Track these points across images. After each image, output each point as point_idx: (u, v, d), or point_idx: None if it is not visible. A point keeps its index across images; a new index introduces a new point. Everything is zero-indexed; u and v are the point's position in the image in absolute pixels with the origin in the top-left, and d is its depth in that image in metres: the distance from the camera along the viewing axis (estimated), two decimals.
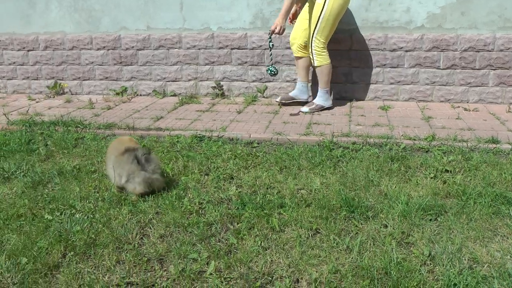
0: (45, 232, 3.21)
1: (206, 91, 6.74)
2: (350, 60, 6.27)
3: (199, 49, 6.64)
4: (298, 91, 6.16)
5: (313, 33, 5.62)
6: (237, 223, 3.25)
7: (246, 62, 6.57)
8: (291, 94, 6.20)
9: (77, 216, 3.41)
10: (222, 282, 2.64)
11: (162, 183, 3.74)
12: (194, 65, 6.70)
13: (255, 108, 6.04)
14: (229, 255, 2.89)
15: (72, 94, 7.35)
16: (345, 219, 3.25)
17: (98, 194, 3.74)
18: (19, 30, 7.47)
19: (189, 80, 6.75)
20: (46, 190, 3.91)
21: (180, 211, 3.38)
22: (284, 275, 2.69)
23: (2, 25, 7.54)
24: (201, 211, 3.43)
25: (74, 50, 7.17)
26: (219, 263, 2.80)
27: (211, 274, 2.71)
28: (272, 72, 5.60)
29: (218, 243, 3.02)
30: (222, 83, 6.66)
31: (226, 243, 3.02)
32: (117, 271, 2.77)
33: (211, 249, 2.93)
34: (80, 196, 3.71)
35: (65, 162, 4.46)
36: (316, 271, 2.70)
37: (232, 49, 6.57)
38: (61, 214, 3.47)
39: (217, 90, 6.64)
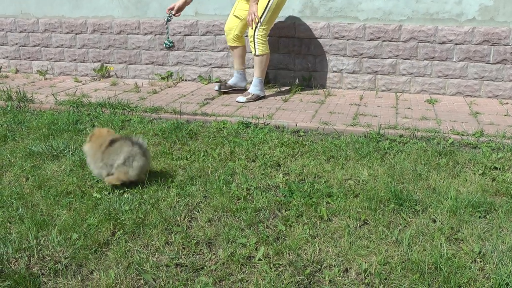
0: (94, 210, 3.24)
1: (251, 78, 6.68)
2: (397, 52, 6.14)
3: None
4: (236, 79, 6.28)
5: (257, 23, 5.67)
6: (285, 211, 3.21)
7: (293, 51, 6.49)
8: (229, 82, 6.28)
9: (125, 196, 3.42)
10: (271, 268, 2.61)
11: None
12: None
13: (301, 97, 5.97)
14: (277, 241, 2.86)
15: (117, 78, 7.40)
16: (393, 212, 3.18)
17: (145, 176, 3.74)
18: (68, 14, 7.54)
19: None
20: None
21: (228, 196, 3.35)
22: (333, 263, 2.65)
23: (52, 9, 7.63)
24: (249, 197, 3.40)
25: (122, 35, 7.21)
26: (268, 249, 2.77)
27: (260, 259, 2.68)
28: (168, 45, 6.33)
29: (267, 229, 2.99)
30: (268, 71, 6.59)
31: (275, 229, 2.98)
32: (166, 252, 2.76)
33: (260, 235, 2.90)
34: None
35: None
36: (365, 262, 2.65)
37: (279, 37, 6.50)
38: (109, 193, 3.49)
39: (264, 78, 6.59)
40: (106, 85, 6.95)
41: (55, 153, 4.27)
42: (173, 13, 6.00)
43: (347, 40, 6.28)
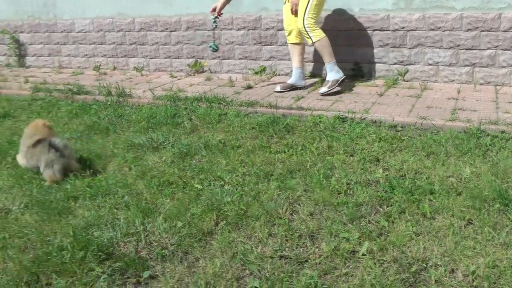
0: (196, 200, 3.31)
1: (345, 72, 6.58)
2: (497, 42, 5.84)
3: (339, 30, 6.51)
4: (296, 77, 6.17)
5: (305, 12, 5.67)
6: (387, 206, 3.14)
7: (387, 44, 6.35)
8: (289, 81, 6.17)
9: (226, 187, 3.47)
10: (375, 264, 2.56)
11: (78, 167, 3.93)
12: (333, 46, 6.58)
13: (396, 91, 5.82)
14: (380, 237, 2.80)
15: (211, 73, 7.53)
16: (499, 212, 3.01)
17: (244, 169, 3.78)
18: (162, 13, 7.76)
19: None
20: (194, 161, 4.05)
21: (328, 190, 3.32)
22: (438, 263, 2.56)
23: (147, 8, 7.87)
24: (349, 191, 3.36)
25: (216, 30, 7.30)
26: (371, 244, 2.71)
27: (364, 255, 2.64)
28: (214, 49, 6.25)
29: (369, 225, 2.93)
30: (362, 64, 6.50)
31: (377, 225, 2.93)
32: (269, 244, 2.77)
33: (362, 230, 2.86)
34: (227, 169, 3.78)
35: (210, 136, 4.58)
36: (472, 264, 2.53)
37: (373, 30, 6.38)
38: (210, 184, 3.56)
39: (357, 72, 6.49)
40: (201, 80, 7.09)
41: (155, 145, 4.40)
42: (216, 14, 6.16)
43: (443, 31, 6.06)
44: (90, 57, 8.86)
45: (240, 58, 7.25)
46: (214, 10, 6.15)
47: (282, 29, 6.74)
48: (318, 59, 6.68)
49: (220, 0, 6.13)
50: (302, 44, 6.09)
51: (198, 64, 7.51)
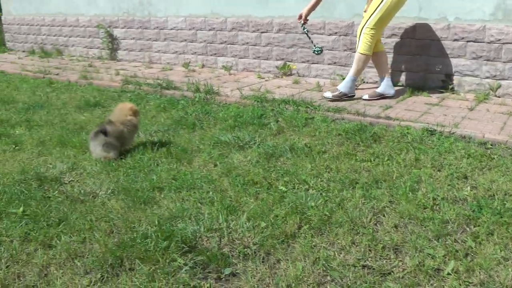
0: (280, 202, 3.32)
1: (434, 84, 6.44)
2: None
3: (432, 39, 6.35)
4: (385, 86, 6.06)
5: (367, 22, 5.69)
6: (474, 226, 3.03)
7: (481, 57, 6.13)
8: (378, 90, 6.07)
9: (310, 192, 3.47)
10: (461, 285, 2.47)
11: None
12: (425, 56, 6.44)
13: (487, 107, 5.61)
14: (467, 258, 2.70)
15: (299, 76, 7.53)
16: None
17: (329, 174, 3.76)
18: (255, 13, 7.83)
19: (418, 71, 6.50)
20: (279, 163, 4.06)
21: (414, 204, 3.25)
22: None
23: (240, 9, 7.98)
24: (436, 207, 3.26)
25: (309, 34, 7.30)
26: (457, 264, 2.62)
27: (449, 274, 2.55)
28: (317, 52, 6.34)
29: (455, 243, 2.84)
30: (452, 76, 6.30)
31: (463, 245, 2.82)
32: (352, 252, 2.74)
33: (448, 248, 2.77)
34: (312, 173, 3.78)
35: (296, 139, 4.59)
36: None
37: (467, 41, 6.17)
38: (294, 187, 3.57)
39: (447, 84, 6.31)
40: (288, 83, 7.11)
41: (241, 144, 4.45)
42: (302, 21, 6.27)
43: None
44: (180, 54, 9.07)
45: (329, 64, 7.21)
46: (300, 17, 6.28)
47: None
48: (410, 69, 6.56)
49: (305, 7, 6.22)
50: (383, 51, 6.07)
51: (286, 66, 7.53)
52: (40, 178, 3.86)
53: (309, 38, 6.55)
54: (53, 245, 2.92)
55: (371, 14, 5.64)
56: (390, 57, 6.67)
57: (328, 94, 5.94)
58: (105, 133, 4.26)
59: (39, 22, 11.71)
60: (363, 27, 5.72)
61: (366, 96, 5.99)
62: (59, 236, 3.00)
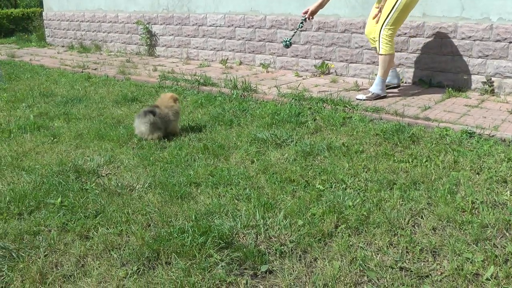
0: (317, 200, 3.31)
1: (475, 85, 6.33)
2: None
3: (474, 40, 6.24)
4: (390, 77, 6.31)
5: (384, 22, 5.68)
6: None
7: None
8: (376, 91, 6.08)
9: (348, 191, 3.44)
10: None
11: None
12: (466, 57, 6.33)
13: None
14: (507, 263, 2.64)
15: (337, 75, 7.49)
16: None
17: (367, 174, 3.73)
18: (294, 11, 7.82)
19: (458, 72, 6.40)
20: (316, 162, 4.05)
21: (453, 207, 3.19)
22: None
23: (280, 6, 7.98)
24: (474, 210, 3.20)
25: (346, 33, 7.27)
26: (496, 269, 2.56)
27: (488, 279, 2.50)
28: (286, 45, 6.33)
29: (494, 248, 2.77)
30: (493, 78, 6.18)
31: (503, 250, 2.76)
32: (389, 253, 2.71)
33: (487, 253, 2.71)
34: (350, 173, 3.75)
35: (333, 138, 4.56)
36: None
37: (510, 42, 6.03)
38: (331, 186, 3.55)
39: (487, 86, 6.19)
40: (326, 82, 7.08)
41: (278, 141, 4.45)
42: (306, 16, 6.18)
43: None
44: (218, 50, 9.11)
45: (367, 63, 7.15)
46: (306, 12, 6.20)
47: (415, 36, 6.60)
48: (450, 69, 6.46)
49: (314, 3, 6.15)
50: None
51: (324, 65, 7.50)
52: (78, 170, 3.91)
53: (294, 33, 6.59)
54: (90, 236, 2.96)
55: (388, 14, 5.63)
56: (430, 58, 6.58)
57: (361, 96, 5.93)
58: (154, 113, 4.58)
59: (79, 18, 11.90)
60: (381, 28, 5.72)
61: (362, 96, 5.99)
62: (96, 228, 3.04)
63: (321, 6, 6.13)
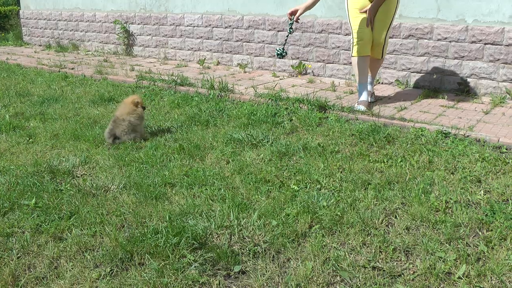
0: (292, 200, 3.32)
1: (450, 86, 6.39)
2: None
3: (450, 41, 6.31)
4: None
5: (389, 27, 5.53)
6: (486, 231, 2.99)
7: (498, 60, 6.07)
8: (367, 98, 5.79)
9: (322, 191, 3.45)
10: None
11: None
12: (442, 58, 6.39)
13: (503, 111, 5.55)
14: (478, 262, 2.67)
15: (314, 75, 7.51)
16: None
17: (342, 174, 3.74)
18: (272, 12, 7.82)
19: (434, 73, 6.46)
20: (291, 162, 4.06)
21: (426, 206, 3.22)
22: None
23: (257, 6, 7.97)
24: (448, 210, 3.23)
25: (323, 34, 7.30)
26: (468, 268, 2.59)
27: (460, 278, 2.52)
28: (279, 54, 5.55)
29: (467, 247, 2.80)
30: (469, 79, 6.25)
31: (475, 249, 2.79)
32: (362, 253, 2.73)
33: (460, 252, 2.73)
34: (325, 173, 3.76)
35: (309, 138, 4.57)
36: None
37: (485, 44, 6.11)
38: (306, 186, 3.56)
39: (463, 86, 6.26)
40: (303, 82, 7.10)
41: (254, 142, 4.45)
42: (294, 19, 5.52)
43: None
44: (195, 51, 9.08)
45: (344, 64, 7.19)
46: (292, 13, 5.55)
47: (391, 36, 6.63)
48: (426, 70, 6.51)
49: (301, 4, 5.56)
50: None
51: (302, 65, 7.52)
52: (53, 171, 3.88)
53: (286, 39, 5.78)
54: (64, 238, 2.93)
55: (393, 17, 5.49)
56: (406, 59, 6.63)
57: (361, 108, 5.46)
58: (116, 137, 4.60)
59: (56, 17, 11.78)
60: (387, 31, 5.51)
61: (362, 108, 5.48)
62: (70, 229, 3.01)
63: (310, 7, 5.62)
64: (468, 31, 6.16)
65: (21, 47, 12.50)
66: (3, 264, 2.67)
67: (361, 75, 5.65)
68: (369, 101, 5.77)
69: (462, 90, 6.27)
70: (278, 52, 5.58)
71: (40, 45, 12.50)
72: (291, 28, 5.58)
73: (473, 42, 6.16)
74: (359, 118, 5.16)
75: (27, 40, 13.02)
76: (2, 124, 5.11)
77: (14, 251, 2.79)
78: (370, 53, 5.62)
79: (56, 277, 2.57)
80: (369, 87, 5.88)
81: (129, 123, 4.60)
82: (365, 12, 5.42)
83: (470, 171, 3.84)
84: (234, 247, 2.80)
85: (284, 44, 5.75)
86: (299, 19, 5.61)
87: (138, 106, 4.70)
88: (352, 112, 5.32)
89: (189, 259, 2.67)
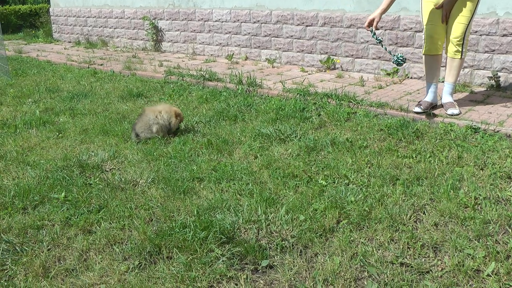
0: (320, 195, 3.31)
1: (481, 80, 6.30)
2: None
3: (480, 35, 6.21)
4: (435, 94, 5.37)
5: (469, 23, 4.97)
6: None
7: None
8: (430, 100, 5.32)
9: (350, 186, 3.44)
10: (501, 287, 2.40)
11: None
12: (472, 51, 6.30)
13: None
14: (508, 260, 2.63)
15: (342, 70, 7.48)
16: None
17: (370, 170, 3.72)
18: (300, 7, 7.80)
19: (464, 67, 6.37)
20: (319, 157, 4.05)
21: (455, 202, 3.18)
22: None
23: (285, 1, 7.95)
24: (477, 206, 3.18)
25: (351, 28, 7.25)
26: (498, 266, 2.55)
27: (489, 275, 2.49)
28: (398, 62, 5.08)
29: (496, 245, 2.76)
30: (499, 73, 6.15)
31: (505, 246, 2.75)
32: (390, 249, 2.71)
33: (489, 249, 2.69)
34: (353, 168, 3.74)
35: (337, 133, 4.56)
36: None
37: None
38: (334, 181, 3.54)
39: (493, 81, 6.16)
40: (332, 77, 7.07)
41: (282, 136, 4.45)
42: (373, 28, 5.13)
43: None
44: (223, 46, 9.11)
45: (373, 58, 7.14)
46: (370, 24, 5.14)
47: (420, 30, 6.56)
48: None
49: (376, 11, 5.12)
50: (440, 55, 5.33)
51: (330, 60, 7.48)
52: (82, 165, 3.93)
53: (385, 48, 5.32)
54: (93, 231, 2.97)
55: (473, 13, 4.95)
56: None
57: (457, 111, 5.06)
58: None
59: (86, 14, 11.92)
60: (466, 28, 4.97)
61: (418, 109, 5.14)
62: (99, 222, 3.05)
63: (385, 11, 5.16)
64: (499, 24, 6.06)
65: (51, 44, 12.69)
66: (34, 256, 2.72)
67: (428, 74, 5.37)
68: (436, 103, 5.37)
69: (493, 85, 6.16)
70: (399, 61, 5.10)
71: (69, 42, 12.67)
72: (377, 37, 5.14)
73: (504, 35, 6.05)
74: (387, 113, 5.12)
75: (57, 37, 13.21)
76: (33, 119, 5.20)
77: (44, 243, 2.84)
78: (440, 51, 5.24)
79: (86, 269, 2.61)
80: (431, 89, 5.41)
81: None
82: (441, 7, 5.04)
83: (500, 167, 3.78)
84: (261, 242, 2.80)
85: (390, 52, 5.31)
86: (378, 27, 5.19)
87: (177, 118, 4.67)
88: (380, 107, 5.27)
89: (217, 253, 2.68)
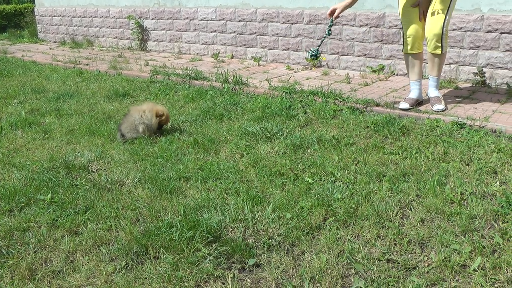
0: (306, 193, 3.31)
1: (466, 76, 6.34)
2: None
3: (465, 31, 6.25)
4: (420, 91, 5.39)
5: (446, 16, 4.94)
6: (502, 223, 2.96)
7: None
8: (413, 96, 5.35)
9: (337, 184, 3.44)
10: (487, 282, 2.42)
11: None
12: (457, 48, 6.33)
13: None
14: (494, 254, 2.64)
15: (328, 68, 7.49)
16: None
17: (356, 167, 3.73)
18: (285, 4, 7.81)
19: (450, 63, 6.41)
20: (306, 155, 4.05)
21: (441, 198, 3.19)
22: None
23: (271, 0, 7.95)
24: (463, 202, 3.20)
25: (337, 26, 7.26)
26: (484, 260, 2.57)
27: (475, 270, 2.50)
28: (312, 55, 5.25)
29: (482, 239, 2.78)
30: (485, 69, 6.19)
31: (491, 241, 2.76)
32: (377, 245, 2.72)
33: (475, 244, 2.71)
34: (339, 165, 3.75)
35: (324, 131, 4.57)
36: None
37: (501, 33, 6.04)
38: (320, 179, 3.55)
39: (479, 77, 6.20)
40: (318, 75, 7.09)
41: (269, 135, 4.45)
42: (333, 18, 5.14)
43: None
44: (209, 44, 9.09)
45: (359, 55, 7.16)
46: (332, 13, 5.15)
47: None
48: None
49: (340, 3, 5.14)
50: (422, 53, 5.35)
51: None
52: (68, 166, 3.91)
53: (322, 40, 5.43)
54: (79, 232, 2.96)
55: (448, 7, 4.93)
56: None
57: (442, 107, 5.10)
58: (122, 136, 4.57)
59: (71, 13, 11.85)
60: (444, 24, 4.94)
61: (405, 106, 5.19)
62: (85, 223, 3.04)
63: (349, 5, 5.18)
64: (483, 20, 6.10)
65: (36, 44, 12.60)
66: (20, 258, 2.70)
67: (411, 73, 5.38)
68: (422, 99, 5.41)
69: (478, 81, 6.20)
70: (313, 53, 5.27)
71: (55, 42, 12.59)
72: (329, 29, 5.25)
73: (489, 31, 6.09)
74: (373, 110, 5.14)
75: (42, 37, 13.12)
76: (18, 121, 5.16)
77: (30, 245, 2.82)
78: (421, 49, 5.27)
79: (72, 271, 2.59)
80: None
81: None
82: (417, 5, 5.08)
83: (485, 162, 3.81)
84: (248, 240, 2.80)
85: (319, 46, 5.39)
86: (339, 17, 5.21)
87: (157, 117, 4.62)
88: (366, 104, 5.29)
89: (204, 253, 2.68)
